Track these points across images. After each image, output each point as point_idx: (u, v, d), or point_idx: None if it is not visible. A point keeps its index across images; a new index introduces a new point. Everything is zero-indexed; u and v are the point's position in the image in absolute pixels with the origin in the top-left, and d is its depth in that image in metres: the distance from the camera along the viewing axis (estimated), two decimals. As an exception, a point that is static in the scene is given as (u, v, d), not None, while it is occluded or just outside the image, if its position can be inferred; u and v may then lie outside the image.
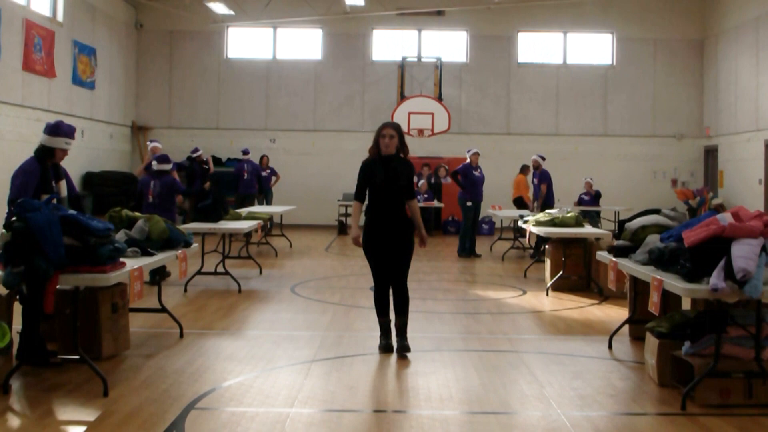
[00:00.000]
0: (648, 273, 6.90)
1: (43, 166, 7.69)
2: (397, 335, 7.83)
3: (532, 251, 16.50)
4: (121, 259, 6.66)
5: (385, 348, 7.80)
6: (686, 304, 8.00)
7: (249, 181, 20.62)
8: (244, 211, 15.40)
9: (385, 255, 7.74)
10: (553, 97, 26.12)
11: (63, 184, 7.87)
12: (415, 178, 17.24)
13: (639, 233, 8.01)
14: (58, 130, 7.75)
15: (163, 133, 25.88)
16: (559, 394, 6.44)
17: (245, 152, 21.24)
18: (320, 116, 25.96)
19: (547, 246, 13.06)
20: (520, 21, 25.91)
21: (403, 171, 7.78)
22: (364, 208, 8.02)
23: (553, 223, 12.75)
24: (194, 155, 19.37)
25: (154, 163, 12.95)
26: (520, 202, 20.23)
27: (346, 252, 17.82)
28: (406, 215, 7.86)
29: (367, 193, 7.93)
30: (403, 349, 7.69)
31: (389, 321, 7.91)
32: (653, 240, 7.45)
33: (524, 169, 20.78)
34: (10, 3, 17.75)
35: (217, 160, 23.69)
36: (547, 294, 11.85)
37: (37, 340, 6.74)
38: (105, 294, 7.42)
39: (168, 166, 12.97)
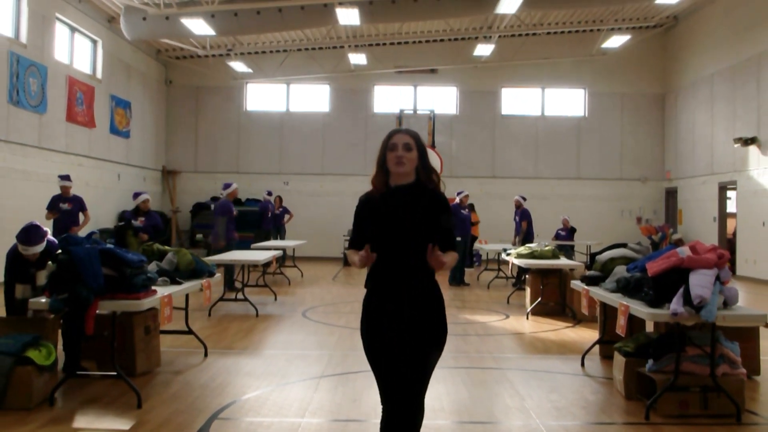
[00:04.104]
0: (616, 299, 6.95)
1: (21, 258, 7.15)
2: None
3: (514, 280, 16.51)
4: (153, 288, 6.72)
5: None
6: (649, 327, 8.01)
7: (269, 219, 20.59)
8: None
9: (398, 352, 3.90)
10: (533, 145, 26.24)
11: (41, 273, 7.04)
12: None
13: (608, 264, 8.06)
14: (23, 235, 7.07)
15: (189, 176, 26.10)
16: (538, 406, 6.46)
17: (269, 193, 21.12)
18: (328, 161, 26.09)
19: (527, 276, 13.09)
20: (504, 78, 26.14)
21: (429, 209, 3.97)
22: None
23: (532, 255, 12.78)
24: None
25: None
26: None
27: (351, 281, 17.82)
28: (435, 284, 3.99)
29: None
30: None
31: None
32: (621, 270, 7.51)
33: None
34: (55, 62, 17.94)
35: (237, 200, 23.72)
36: (527, 318, 11.85)
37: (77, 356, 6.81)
38: (139, 318, 7.46)
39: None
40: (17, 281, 7.21)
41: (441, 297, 4.03)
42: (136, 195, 12.80)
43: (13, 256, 7.27)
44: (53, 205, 13.57)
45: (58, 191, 13.65)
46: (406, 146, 4.00)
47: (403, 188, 4.02)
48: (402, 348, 3.90)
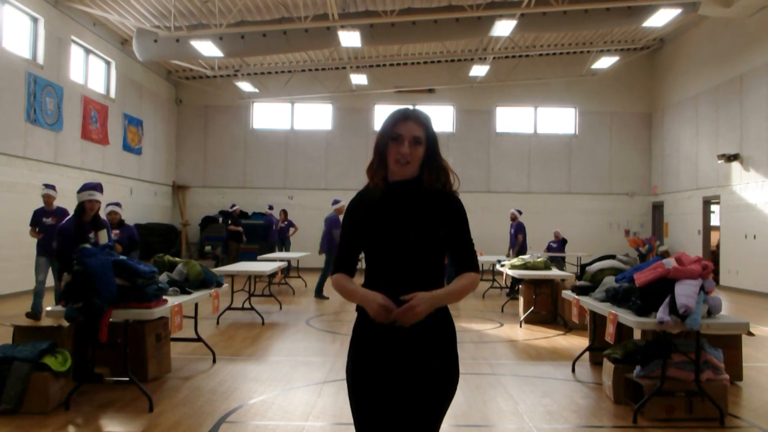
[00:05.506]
0: (605, 308, 6.96)
1: (79, 220, 7.72)
2: None
3: (508, 290, 16.50)
4: (164, 297, 6.74)
5: None
6: (637, 335, 8.02)
7: (274, 232, 20.73)
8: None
9: (392, 401, 2.88)
10: (526, 161, 26.30)
11: (103, 233, 7.84)
12: None
13: (597, 275, 8.08)
14: (82, 187, 7.82)
15: (198, 191, 26.13)
16: (530, 410, 6.46)
17: (270, 207, 21.46)
18: (331, 177, 26.14)
19: (520, 286, 13.09)
20: (498, 97, 26.23)
21: (441, 215, 3.03)
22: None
23: (525, 266, 12.78)
24: (231, 209, 20.77)
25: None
26: None
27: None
28: (444, 311, 2.96)
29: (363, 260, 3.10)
30: None
31: None
32: (609, 281, 7.53)
33: None
34: (70, 82, 18.01)
35: (244, 214, 23.81)
36: (520, 326, 11.85)
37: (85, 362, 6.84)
38: (150, 326, 7.48)
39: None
40: (67, 269, 6.81)
41: (452, 327, 3.00)
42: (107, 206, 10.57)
43: (68, 227, 7.62)
44: (36, 221, 11.55)
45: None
46: (414, 140, 2.97)
47: (402, 185, 3.02)
48: (399, 389, 2.88)
